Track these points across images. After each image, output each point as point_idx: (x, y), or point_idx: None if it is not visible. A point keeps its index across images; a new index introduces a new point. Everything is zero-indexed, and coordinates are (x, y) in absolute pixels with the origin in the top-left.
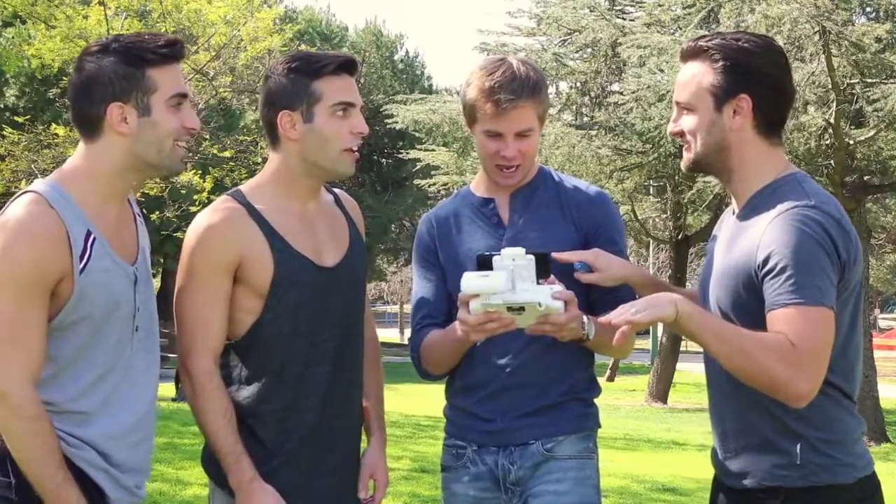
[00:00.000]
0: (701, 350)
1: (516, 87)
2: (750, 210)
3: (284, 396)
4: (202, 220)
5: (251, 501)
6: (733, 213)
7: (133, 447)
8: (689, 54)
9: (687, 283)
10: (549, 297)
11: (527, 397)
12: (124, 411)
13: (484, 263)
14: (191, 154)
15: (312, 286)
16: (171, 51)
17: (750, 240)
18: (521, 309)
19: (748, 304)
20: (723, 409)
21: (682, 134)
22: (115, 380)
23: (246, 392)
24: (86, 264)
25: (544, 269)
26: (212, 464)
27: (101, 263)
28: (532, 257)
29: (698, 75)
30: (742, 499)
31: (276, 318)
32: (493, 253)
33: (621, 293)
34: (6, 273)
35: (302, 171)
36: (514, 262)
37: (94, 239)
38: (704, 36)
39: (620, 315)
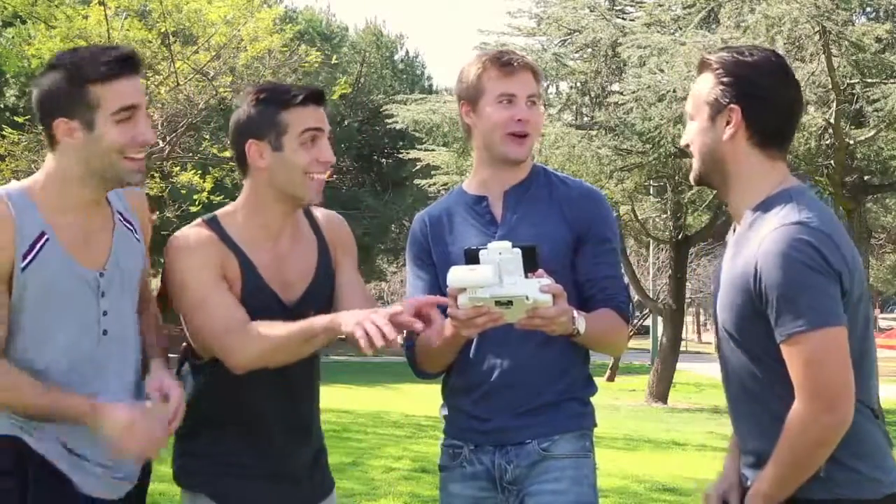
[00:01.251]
0: (701, 350)
1: (519, 55)
2: (746, 227)
3: (249, 420)
4: (179, 235)
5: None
6: (733, 230)
7: (97, 444)
8: (700, 67)
9: (687, 283)
10: (536, 290)
11: (523, 397)
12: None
13: (471, 257)
14: (191, 154)
15: (275, 318)
16: (117, 67)
17: (745, 264)
18: (510, 303)
19: (753, 328)
20: (744, 422)
21: (687, 146)
22: (78, 380)
23: (209, 407)
24: (29, 263)
25: (532, 262)
26: (181, 469)
27: (53, 267)
28: (518, 251)
29: (701, 86)
30: None
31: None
32: (481, 247)
33: (614, 290)
34: None
35: (271, 197)
36: (501, 255)
37: (47, 240)
38: (718, 49)
39: None
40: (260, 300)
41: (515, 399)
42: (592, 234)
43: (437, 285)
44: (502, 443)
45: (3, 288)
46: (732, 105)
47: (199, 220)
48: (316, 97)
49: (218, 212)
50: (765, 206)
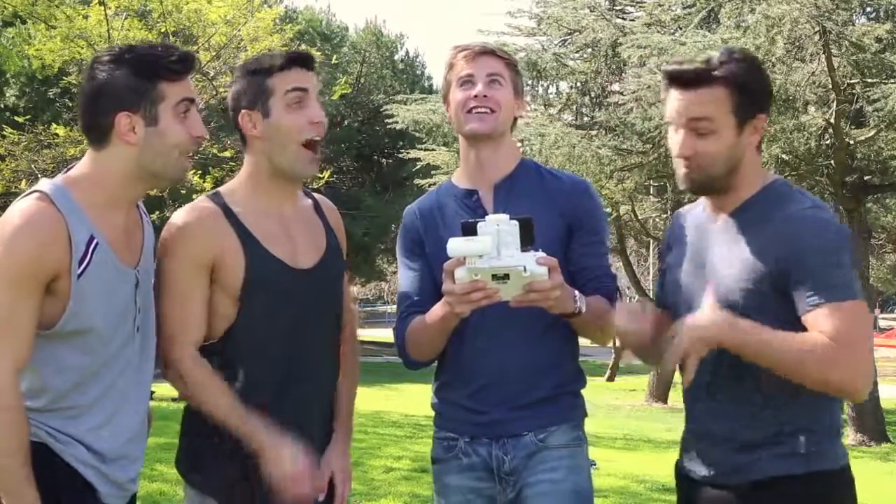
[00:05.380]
0: None
1: (485, 43)
2: (743, 216)
3: (260, 397)
4: (177, 219)
5: (277, 454)
6: (711, 220)
7: (126, 441)
8: (700, 81)
9: None
10: (533, 262)
11: (519, 391)
12: (117, 406)
13: (469, 230)
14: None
15: (286, 289)
16: (184, 66)
17: (762, 245)
18: (506, 277)
19: (768, 305)
20: (729, 407)
21: (691, 157)
22: (111, 377)
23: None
24: (85, 268)
25: (528, 235)
26: (184, 464)
27: (101, 270)
28: (516, 222)
29: (718, 98)
30: (730, 496)
31: (250, 320)
32: (478, 220)
33: (604, 279)
34: (4, 265)
35: (270, 170)
36: (499, 227)
37: (97, 244)
38: (707, 60)
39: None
40: (266, 268)
41: (512, 393)
42: (583, 226)
43: (429, 276)
44: (499, 435)
45: (38, 297)
46: (760, 114)
47: (201, 196)
48: (301, 60)
49: (222, 187)
50: (764, 194)
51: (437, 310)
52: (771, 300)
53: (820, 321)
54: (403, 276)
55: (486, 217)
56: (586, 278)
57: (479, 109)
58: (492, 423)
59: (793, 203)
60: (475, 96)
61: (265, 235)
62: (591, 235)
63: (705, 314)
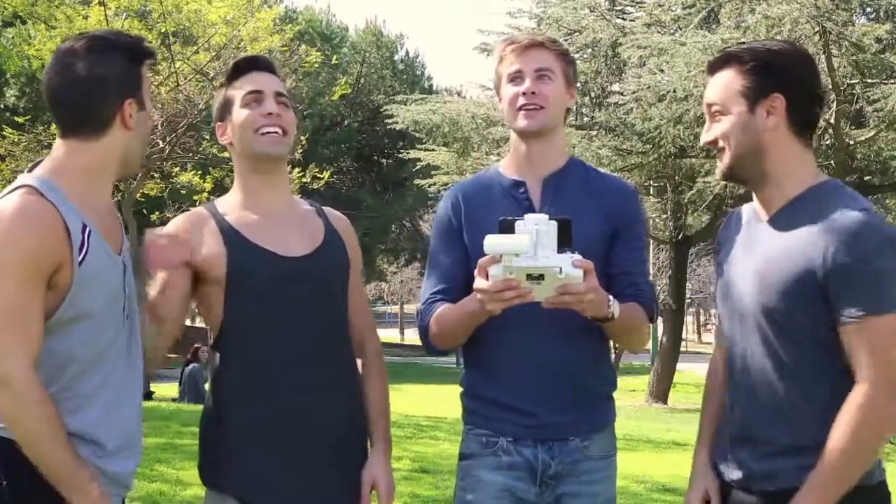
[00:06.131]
0: (701, 350)
1: (536, 35)
2: (790, 216)
3: (258, 385)
4: (170, 226)
5: None
6: (758, 219)
7: (125, 432)
8: (718, 65)
9: (687, 283)
10: (569, 264)
11: (562, 388)
12: (114, 397)
13: (506, 227)
14: (191, 154)
15: (275, 276)
16: (153, 50)
17: (805, 249)
18: (540, 278)
19: (807, 312)
20: (750, 416)
21: (715, 142)
22: (107, 368)
23: (224, 382)
24: (84, 256)
25: (566, 237)
26: (205, 468)
27: (97, 256)
28: (555, 223)
29: (728, 80)
30: (762, 501)
31: (239, 309)
32: (517, 217)
33: (643, 287)
34: (8, 259)
35: (245, 166)
36: (537, 227)
37: (90, 232)
38: (728, 47)
39: None
40: (250, 256)
41: (555, 391)
42: (628, 230)
43: (462, 263)
44: (544, 438)
45: (43, 290)
46: (776, 94)
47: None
48: (254, 64)
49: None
50: (814, 195)
51: (467, 304)
52: (811, 305)
53: (855, 335)
54: (435, 259)
55: (525, 216)
56: (625, 283)
57: (529, 106)
58: (538, 427)
59: (838, 206)
60: (524, 93)
61: (250, 229)
62: (635, 241)
63: None
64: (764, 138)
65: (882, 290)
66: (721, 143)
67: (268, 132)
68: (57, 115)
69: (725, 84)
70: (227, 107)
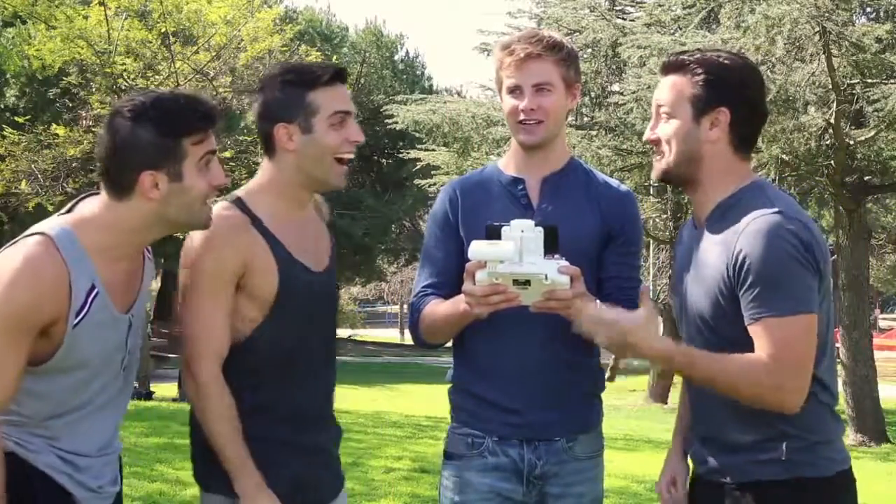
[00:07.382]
0: None
1: (534, 41)
2: (714, 221)
3: (284, 397)
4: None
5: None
6: (695, 225)
7: (96, 451)
8: (671, 68)
9: None
10: (555, 271)
11: (548, 387)
12: (89, 431)
13: (492, 233)
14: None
15: (308, 292)
16: (208, 123)
17: (720, 252)
18: (527, 283)
19: (727, 313)
20: (705, 412)
21: (658, 142)
22: (89, 410)
23: (245, 394)
24: (81, 319)
25: (553, 243)
26: (201, 467)
27: (98, 318)
28: (541, 230)
29: (679, 85)
30: (720, 493)
31: (279, 324)
32: (503, 223)
33: (633, 292)
34: (1, 310)
35: (297, 181)
36: (523, 233)
37: (97, 294)
38: (685, 52)
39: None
40: (296, 276)
41: (542, 389)
42: (623, 234)
43: (455, 258)
44: (530, 437)
45: (27, 343)
46: (722, 108)
47: (223, 202)
48: (341, 75)
49: (240, 192)
50: (735, 200)
51: (457, 304)
52: (730, 310)
53: (758, 335)
54: (429, 252)
55: (511, 222)
56: (615, 287)
57: (528, 122)
58: (525, 426)
59: (755, 209)
60: (521, 110)
61: (290, 242)
62: (629, 246)
63: (634, 322)
64: (704, 148)
65: (781, 292)
66: (663, 146)
67: (345, 159)
68: (97, 167)
69: (676, 89)
70: (307, 113)
